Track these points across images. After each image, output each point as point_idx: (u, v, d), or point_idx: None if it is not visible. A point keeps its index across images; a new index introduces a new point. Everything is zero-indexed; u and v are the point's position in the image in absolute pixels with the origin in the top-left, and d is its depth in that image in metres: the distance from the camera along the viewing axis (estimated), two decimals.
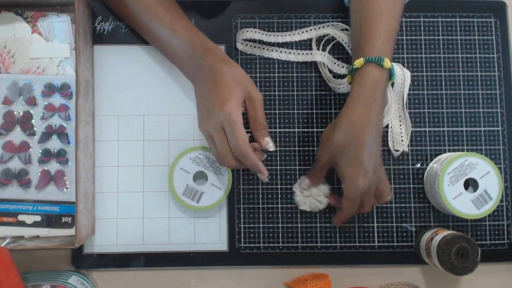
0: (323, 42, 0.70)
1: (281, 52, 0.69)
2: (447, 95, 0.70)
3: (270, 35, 0.69)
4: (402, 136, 0.68)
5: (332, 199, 0.66)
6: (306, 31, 0.69)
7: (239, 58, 0.70)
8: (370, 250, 0.68)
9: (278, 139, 0.69)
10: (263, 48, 0.70)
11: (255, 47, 0.70)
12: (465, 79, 0.70)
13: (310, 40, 0.70)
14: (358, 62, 0.60)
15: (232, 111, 0.58)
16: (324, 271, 0.67)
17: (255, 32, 0.69)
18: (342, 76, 0.69)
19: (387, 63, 0.59)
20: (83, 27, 0.65)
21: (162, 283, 0.68)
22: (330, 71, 0.69)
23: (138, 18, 0.65)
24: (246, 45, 0.70)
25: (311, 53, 0.69)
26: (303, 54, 0.69)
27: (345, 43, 0.69)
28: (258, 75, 0.70)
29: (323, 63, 0.69)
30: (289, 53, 0.70)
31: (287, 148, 0.69)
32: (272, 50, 0.70)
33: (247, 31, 0.68)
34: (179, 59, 0.65)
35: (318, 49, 0.70)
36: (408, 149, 0.69)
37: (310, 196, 0.66)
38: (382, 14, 0.61)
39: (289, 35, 0.69)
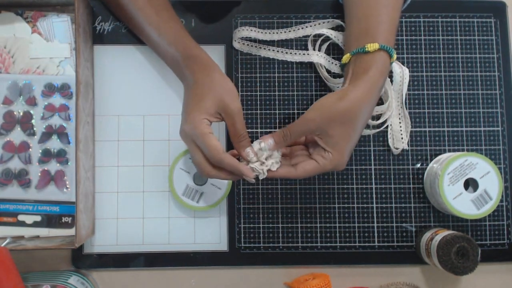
0: (319, 41, 0.70)
1: (278, 51, 0.69)
2: (447, 95, 0.70)
3: (266, 33, 0.69)
4: (401, 134, 0.68)
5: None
6: (302, 28, 0.70)
7: (239, 59, 0.70)
8: (370, 250, 0.68)
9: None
10: (260, 48, 0.70)
11: (252, 46, 0.70)
12: (465, 79, 0.70)
13: (307, 37, 0.70)
14: (372, 47, 0.59)
15: (196, 124, 0.57)
16: (324, 271, 0.67)
17: (251, 30, 0.69)
18: (340, 76, 0.69)
19: (394, 56, 0.60)
20: (83, 27, 0.65)
21: (162, 283, 0.68)
22: (328, 71, 0.69)
23: (133, 20, 0.66)
24: (243, 44, 0.70)
25: (308, 54, 0.69)
26: (300, 54, 0.69)
27: (341, 42, 0.69)
28: (258, 75, 0.70)
29: (320, 64, 0.69)
30: (286, 53, 0.70)
31: None
32: (269, 49, 0.70)
33: (243, 29, 0.69)
34: (169, 62, 0.65)
35: (314, 49, 0.69)
36: (408, 148, 0.69)
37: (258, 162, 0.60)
38: (387, 6, 0.61)
39: (285, 32, 0.69)
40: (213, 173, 0.58)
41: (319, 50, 0.69)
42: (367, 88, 0.58)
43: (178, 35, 0.63)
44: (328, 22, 0.70)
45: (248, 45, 0.70)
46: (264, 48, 0.70)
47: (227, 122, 0.59)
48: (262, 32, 0.69)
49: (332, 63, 0.68)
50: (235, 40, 0.69)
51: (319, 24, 0.70)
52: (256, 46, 0.70)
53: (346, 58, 0.62)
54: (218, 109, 0.58)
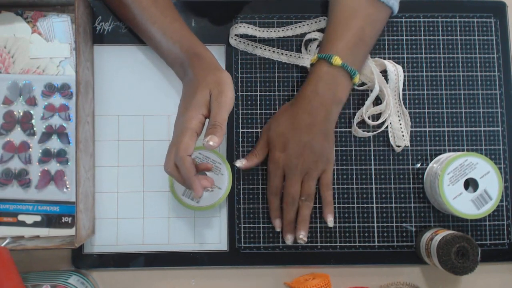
0: (315, 43, 0.69)
1: (273, 52, 0.69)
2: (447, 95, 0.70)
3: (263, 30, 0.69)
4: (402, 131, 0.68)
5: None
6: (299, 26, 0.69)
7: (239, 59, 0.70)
8: (370, 250, 0.68)
9: None
10: (256, 46, 0.70)
11: (248, 44, 0.69)
12: (465, 79, 0.70)
13: (303, 35, 0.70)
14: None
15: (188, 118, 0.56)
16: (324, 271, 0.67)
17: (248, 27, 0.68)
18: None
19: (336, 60, 0.62)
20: (83, 27, 0.65)
21: (162, 283, 0.68)
22: None
23: (135, 19, 0.65)
24: (240, 41, 0.69)
25: (302, 57, 0.69)
26: (295, 56, 0.69)
27: None
28: (258, 75, 0.70)
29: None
30: (282, 53, 0.69)
31: None
32: (265, 49, 0.69)
33: (241, 26, 0.68)
34: (171, 62, 0.65)
35: (309, 52, 0.69)
36: (408, 148, 0.69)
37: None
38: (354, 18, 0.63)
39: (282, 30, 0.69)
40: (169, 169, 0.57)
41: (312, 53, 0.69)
42: (299, 104, 0.64)
43: (183, 35, 0.63)
44: (325, 19, 0.69)
45: (244, 43, 0.69)
46: (260, 48, 0.70)
47: (211, 110, 0.57)
48: (259, 30, 0.69)
49: None
50: (232, 37, 0.69)
51: (315, 22, 0.69)
52: (252, 45, 0.70)
53: (313, 58, 0.65)
54: (207, 101, 0.57)
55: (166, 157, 0.58)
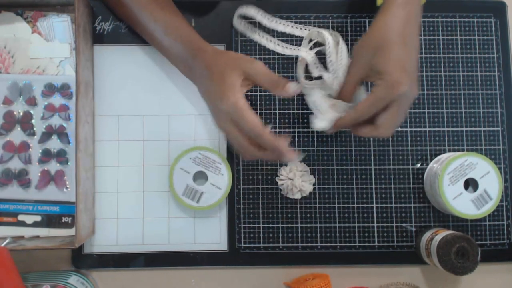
0: (314, 41, 0.69)
1: (270, 41, 0.69)
2: (447, 95, 0.70)
3: (272, 20, 0.68)
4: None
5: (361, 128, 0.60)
6: (309, 29, 0.69)
7: None
8: (370, 250, 0.68)
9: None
10: (255, 32, 0.69)
11: (248, 28, 0.69)
12: (465, 79, 0.70)
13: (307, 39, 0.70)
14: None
15: (233, 100, 0.56)
16: (324, 271, 0.67)
17: (258, 12, 0.67)
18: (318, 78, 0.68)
19: None
20: (83, 27, 0.65)
21: (162, 283, 0.68)
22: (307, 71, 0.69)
23: (135, 17, 0.65)
24: (241, 22, 0.69)
25: (298, 49, 0.69)
26: (290, 49, 0.69)
27: (329, 55, 0.65)
28: None
29: (303, 60, 0.68)
30: (278, 44, 0.69)
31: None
32: (263, 36, 0.69)
33: (250, 8, 0.68)
34: (174, 59, 0.65)
35: (306, 48, 0.69)
36: (408, 148, 0.69)
37: (291, 181, 0.66)
38: None
39: (291, 27, 0.69)
40: (259, 153, 0.57)
41: (310, 49, 0.69)
42: (395, 8, 0.56)
43: (184, 31, 0.63)
44: (332, 34, 0.67)
45: (245, 25, 0.69)
46: (259, 34, 0.69)
47: (258, 83, 0.58)
48: (268, 19, 0.68)
49: (317, 67, 0.67)
50: (236, 16, 0.69)
51: (320, 30, 0.68)
52: (251, 29, 0.69)
53: None
54: (244, 76, 0.57)
55: (242, 151, 0.58)
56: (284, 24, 0.69)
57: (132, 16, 0.66)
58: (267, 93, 0.70)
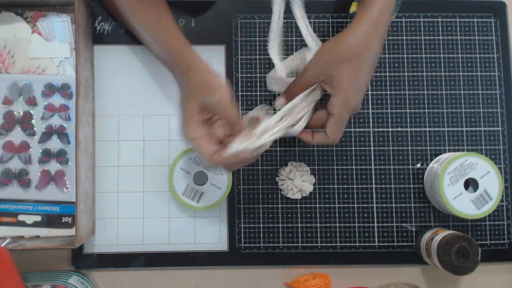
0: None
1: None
2: (447, 95, 0.70)
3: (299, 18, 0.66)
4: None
5: (304, 133, 0.62)
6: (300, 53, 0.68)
7: (239, 59, 0.70)
8: (370, 250, 0.68)
9: (278, 140, 0.69)
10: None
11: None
12: (465, 79, 0.70)
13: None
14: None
15: (187, 130, 0.57)
16: (324, 271, 0.67)
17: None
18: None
19: None
20: (83, 27, 0.65)
21: (162, 283, 0.68)
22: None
23: (128, 24, 0.66)
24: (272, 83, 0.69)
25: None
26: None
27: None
28: (258, 75, 0.70)
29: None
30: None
31: (287, 148, 0.69)
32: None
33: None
34: (163, 63, 0.65)
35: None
36: (408, 148, 0.69)
37: (291, 181, 0.67)
38: None
39: (307, 31, 0.66)
40: (216, 157, 0.57)
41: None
42: (367, 23, 0.57)
43: (170, 39, 0.61)
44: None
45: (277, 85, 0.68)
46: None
47: (217, 114, 0.59)
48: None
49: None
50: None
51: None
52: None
53: (353, 6, 0.62)
54: (201, 108, 0.58)
55: (208, 160, 0.58)
56: (304, 23, 0.66)
57: (125, 22, 0.66)
58: (267, 93, 0.70)
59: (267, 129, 0.58)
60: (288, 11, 0.71)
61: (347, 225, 0.68)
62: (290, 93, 0.61)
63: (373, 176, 0.69)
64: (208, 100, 0.57)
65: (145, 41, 0.65)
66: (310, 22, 0.71)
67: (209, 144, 0.57)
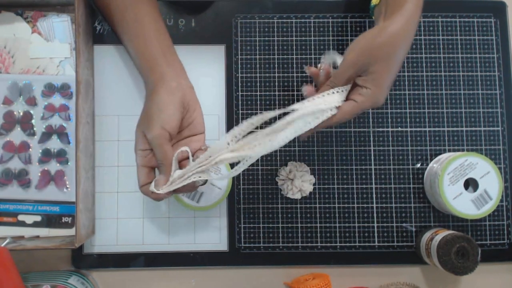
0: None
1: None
2: (447, 95, 0.70)
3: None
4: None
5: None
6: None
7: (238, 59, 0.70)
8: (370, 250, 0.68)
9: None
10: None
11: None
12: (465, 79, 0.70)
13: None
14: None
15: (136, 151, 0.60)
16: (324, 271, 0.67)
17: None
18: None
19: None
20: (83, 27, 0.65)
21: (162, 283, 0.68)
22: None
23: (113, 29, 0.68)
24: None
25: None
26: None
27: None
28: (258, 75, 0.70)
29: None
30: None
31: (287, 148, 0.69)
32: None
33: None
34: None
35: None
36: (408, 148, 0.69)
37: (291, 181, 0.67)
38: None
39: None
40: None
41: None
42: (404, 21, 0.56)
43: (145, 51, 0.62)
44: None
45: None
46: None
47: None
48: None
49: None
50: None
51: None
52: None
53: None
54: (144, 138, 0.59)
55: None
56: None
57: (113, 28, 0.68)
58: (267, 93, 0.70)
59: (184, 174, 0.57)
60: (287, 11, 0.71)
61: (347, 225, 0.68)
62: (322, 84, 0.60)
63: (373, 176, 0.69)
64: (147, 133, 0.58)
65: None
66: (310, 22, 0.71)
67: (141, 175, 0.59)
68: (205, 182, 0.65)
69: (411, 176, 0.69)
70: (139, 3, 0.63)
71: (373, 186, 0.69)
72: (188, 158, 0.58)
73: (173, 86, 0.60)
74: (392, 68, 0.57)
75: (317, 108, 0.56)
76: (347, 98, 0.58)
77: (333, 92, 0.58)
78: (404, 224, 0.68)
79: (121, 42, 0.67)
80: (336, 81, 0.58)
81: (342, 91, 0.58)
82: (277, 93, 0.70)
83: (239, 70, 0.70)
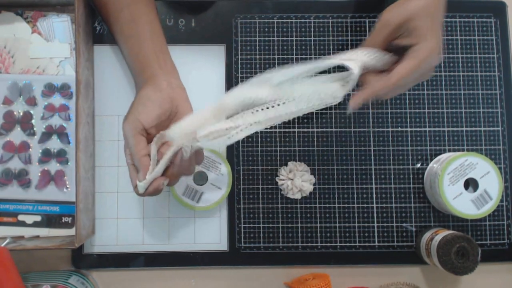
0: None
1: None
2: (447, 95, 0.70)
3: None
4: None
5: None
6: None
7: (238, 59, 0.70)
8: (370, 250, 0.68)
9: (278, 139, 0.69)
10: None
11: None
12: (465, 79, 0.70)
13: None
14: None
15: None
16: (324, 271, 0.67)
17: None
18: None
19: None
20: (83, 27, 0.65)
21: (162, 283, 0.68)
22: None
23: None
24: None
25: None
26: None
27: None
28: (258, 75, 0.70)
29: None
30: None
31: (287, 148, 0.69)
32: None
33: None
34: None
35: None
36: (408, 148, 0.69)
37: (291, 181, 0.67)
38: None
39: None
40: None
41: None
42: None
43: (138, 53, 0.62)
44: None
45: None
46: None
47: None
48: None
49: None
50: None
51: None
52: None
53: None
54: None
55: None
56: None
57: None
58: None
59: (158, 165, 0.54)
60: (287, 11, 0.71)
61: (347, 225, 0.68)
62: (372, 41, 0.55)
63: (373, 176, 0.69)
64: (124, 133, 0.56)
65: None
66: (310, 22, 0.71)
67: (133, 175, 0.56)
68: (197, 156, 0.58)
69: (411, 176, 0.69)
70: (136, 3, 0.63)
71: (373, 186, 0.69)
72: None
73: (163, 85, 0.58)
74: (437, 24, 0.52)
75: (331, 62, 0.52)
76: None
77: (362, 53, 0.52)
78: (404, 224, 0.68)
79: (116, 42, 0.67)
80: (372, 43, 0.54)
81: (372, 55, 0.53)
82: None
83: (239, 70, 0.70)
